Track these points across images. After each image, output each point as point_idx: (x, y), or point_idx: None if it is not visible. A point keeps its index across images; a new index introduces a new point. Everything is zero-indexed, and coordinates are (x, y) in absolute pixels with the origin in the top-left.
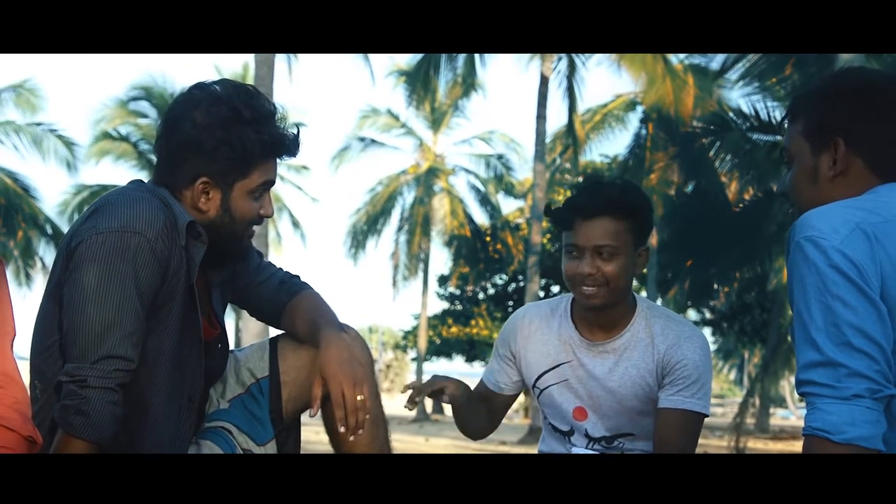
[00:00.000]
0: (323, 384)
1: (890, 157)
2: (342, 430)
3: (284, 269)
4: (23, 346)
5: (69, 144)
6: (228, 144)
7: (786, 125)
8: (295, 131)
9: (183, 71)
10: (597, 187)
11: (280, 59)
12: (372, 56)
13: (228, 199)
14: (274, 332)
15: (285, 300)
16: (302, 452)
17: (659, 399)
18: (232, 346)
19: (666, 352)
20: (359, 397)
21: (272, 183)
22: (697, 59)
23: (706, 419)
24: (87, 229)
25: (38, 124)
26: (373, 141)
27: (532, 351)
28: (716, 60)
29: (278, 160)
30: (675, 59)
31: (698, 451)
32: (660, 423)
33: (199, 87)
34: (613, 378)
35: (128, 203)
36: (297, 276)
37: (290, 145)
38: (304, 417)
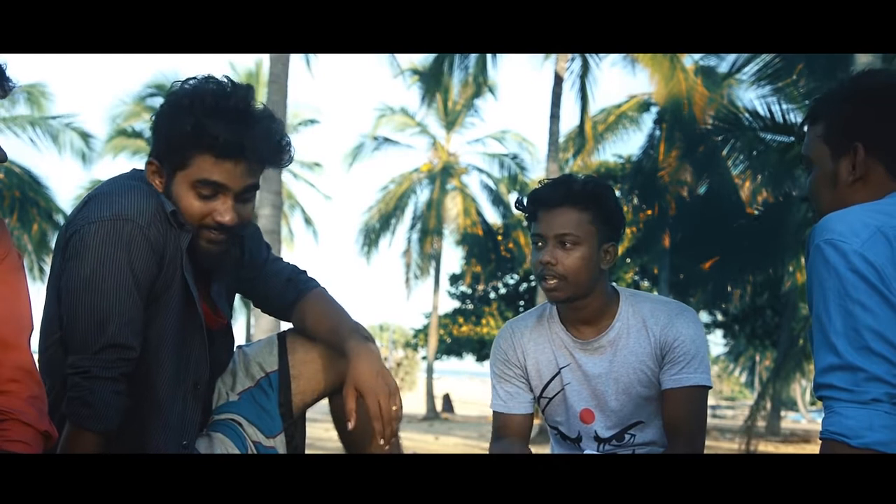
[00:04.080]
0: (357, 396)
1: None
2: (381, 441)
3: (292, 265)
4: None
5: (85, 136)
6: (166, 129)
7: (805, 128)
8: (273, 144)
9: (198, 67)
10: (560, 179)
11: (295, 57)
12: (389, 55)
13: (171, 185)
14: (285, 326)
15: (293, 298)
16: (311, 450)
17: (662, 381)
18: (243, 340)
19: (661, 333)
20: (394, 408)
21: (225, 187)
22: (713, 60)
23: (717, 422)
24: (80, 220)
25: (55, 117)
26: (386, 139)
27: (532, 363)
28: (728, 61)
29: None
30: (688, 60)
31: (709, 452)
32: (668, 404)
33: (198, 77)
34: (615, 370)
35: (119, 191)
36: (305, 272)
37: (233, 150)
38: (311, 413)
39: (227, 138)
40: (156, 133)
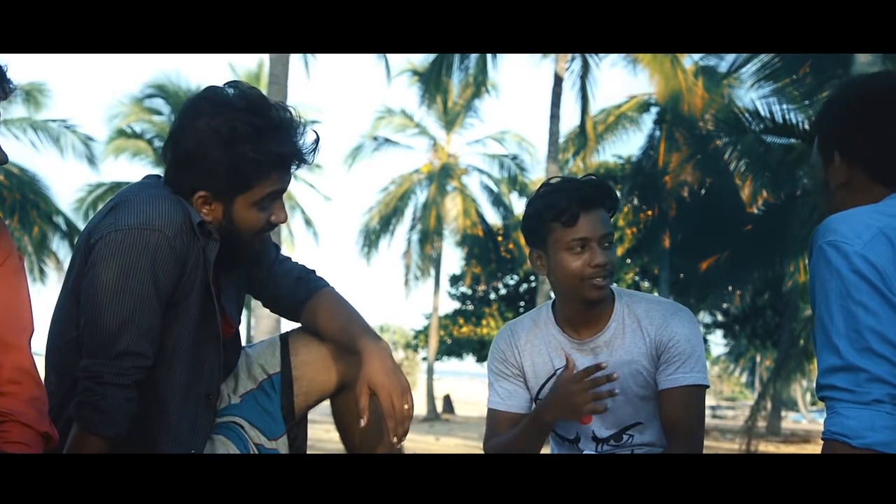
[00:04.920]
0: (371, 394)
1: (888, 166)
2: (395, 439)
3: (301, 264)
4: (38, 341)
5: (86, 140)
6: (224, 163)
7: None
8: (308, 140)
9: (197, 67)
10: (585, 181)
11: (295, 58)
12: (386, 56)
13: (230, 211)
14: (286, 327)
15: (303, 297)
16: (312, 451)
17: (659, 381)
18: (244, 341)
19: (656, 333)
20: (405, 406)
21: (282, 191)
22: (712, 60)
23: (717, 422)
24: (107, 226)
25: (55, 121)
26: (386, 140)
27: (529, 364)
28: (728, 61)
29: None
30: (688, 61)
31: (709, 452)
32: (665, 405)
33: (207, 96)
34: (610, 370)
35: (147, 200)
36: (314, 272)
37: (295, 158)
38: (312, 414)
39: (290, 153)
40: (198, 166)
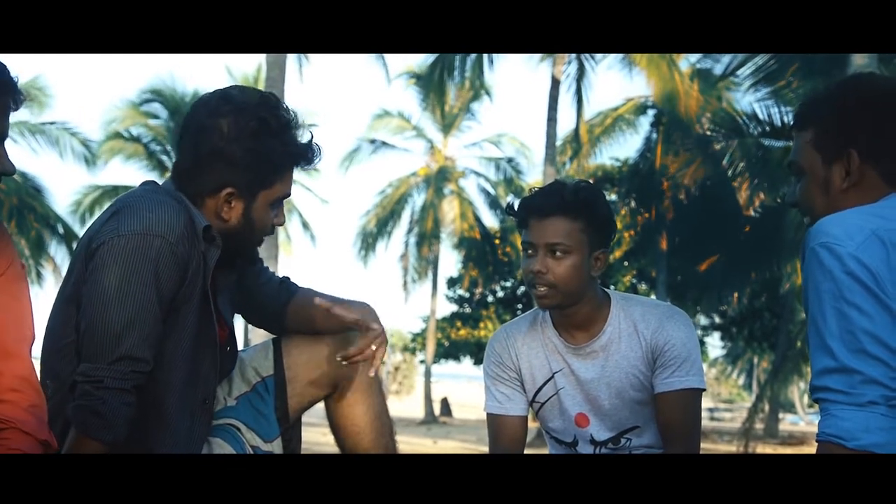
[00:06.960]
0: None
1: None
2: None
3: (276, 274)
4: (34, 346)
5: (85, 142)
6: (257, 155)
7: (793, 133)
8: (314, 140)
9: (194, 71)
10: (552, 187)
11: (291, 61)
12: (384, 57)
13: (251, 208)
14: None
15: (285, 299)
16: (309, 453)
17: (655, 385)
18: (241, 344)
19: (652, 337)
20: (372, 346)
21: (288, 195)
22: (708, 63)
23: (715, 424)
24: (109, 231)
25: (52, 123)
26: (383, 143)
27: (526, 367)
28: (723, 63)
29: (296, 170)
30: (685, 63)
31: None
32: (661, 408)
33: (223, 96)
34: (607, 375)
35: (150, 206)
36: (288, 278)
37: (312, 155)
38: (307, 417)
39: (311, 148)
40: (226, 161)
